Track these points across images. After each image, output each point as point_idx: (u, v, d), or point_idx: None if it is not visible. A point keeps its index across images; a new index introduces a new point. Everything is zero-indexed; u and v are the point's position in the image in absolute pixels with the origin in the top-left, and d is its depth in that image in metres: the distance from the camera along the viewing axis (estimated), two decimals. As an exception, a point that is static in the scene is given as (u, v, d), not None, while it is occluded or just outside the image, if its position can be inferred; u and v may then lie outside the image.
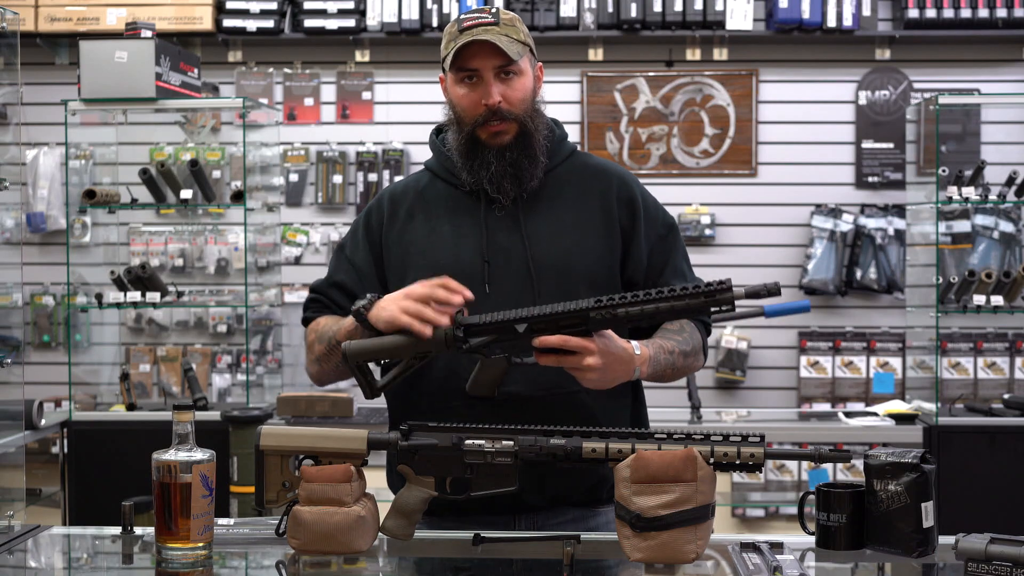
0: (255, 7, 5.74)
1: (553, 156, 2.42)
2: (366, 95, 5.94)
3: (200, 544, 2.06)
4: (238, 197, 4.91)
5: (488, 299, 2.29)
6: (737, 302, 2.11)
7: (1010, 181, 4.76)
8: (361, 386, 2.24)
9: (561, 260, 2.33)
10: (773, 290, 2.05)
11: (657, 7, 5.67)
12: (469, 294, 2.17)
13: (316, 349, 2.38)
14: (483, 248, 2.34)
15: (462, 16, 2.34)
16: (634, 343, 2.23)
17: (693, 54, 5.83)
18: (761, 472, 5.54)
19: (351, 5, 5.74)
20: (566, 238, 2.36)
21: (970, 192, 4.67)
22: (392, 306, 2.18)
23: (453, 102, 2.38)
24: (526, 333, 2.13)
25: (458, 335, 2.15)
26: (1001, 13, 5.61)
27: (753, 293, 2.07)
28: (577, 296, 2.21)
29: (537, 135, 2.36)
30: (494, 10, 2.34)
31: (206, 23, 5.70)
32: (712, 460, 2.03)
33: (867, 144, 5.85)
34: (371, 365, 2.26)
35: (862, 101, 5.85)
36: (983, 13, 5.61)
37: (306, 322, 2.45)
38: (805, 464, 5.54)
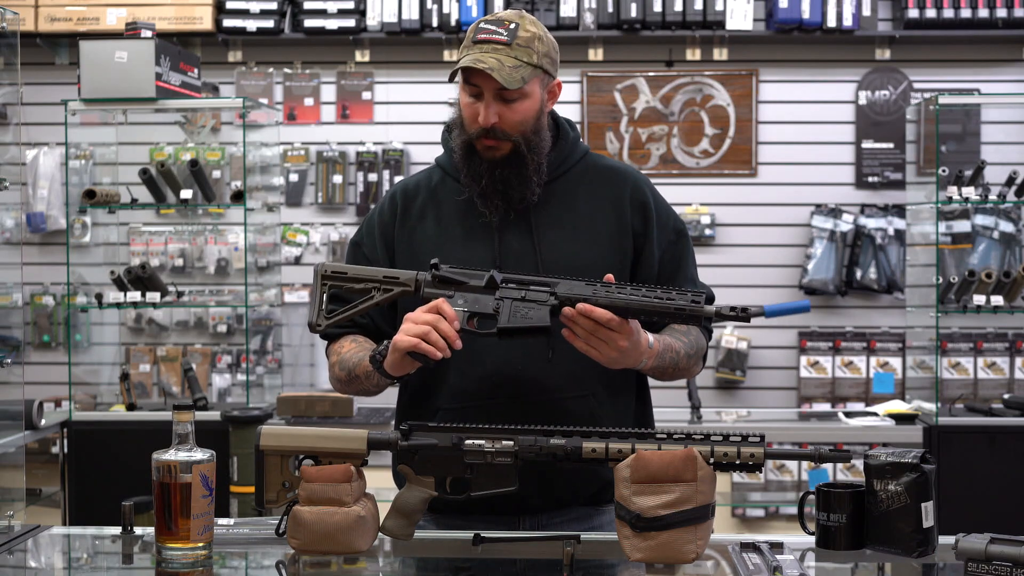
0: (255, 7, 5.74)
1: (567, 158, 2.41)
2: (366, 95, 5.94)
3: (200, 544, 2.06)
4: (238, 197, 4.91)
5: None
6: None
7: (1010, 181, 4.76)
8: (311, 308, 2.27)
9: (572, 264, 2.32)
10: (742, 316, 2.11)
11: (657, 7, 5.67)
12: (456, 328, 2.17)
13: (336, 371, 2.39)
14: (495, 252, 2.34)
15: (481, 25, 2.31)
16: (650, 336, 2.24)
17: (693, 54, 5.83)
18: (761, 472, 5.54)
19: (351, 5, 5.74)
20: (578, 242, 2.35)
21: (970, 192, 4.67)
22: (399, 334, 2.18)
23: (460, 105, 2.37)
24: (489, 285, 2.18)
25: (432, 270, 2.20)
26: (1001, 13, 5.60)
27: (722, 316, 2.12)
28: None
29: (531, 156, 2.32)
30: (513, 25, 2.29)
31: (206, 23, 5.70)
32: (712, 460, 2.03)
33: (867, 144, 5.85)
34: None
35: (862, 101, 5.85)
36: (983, 13, 5.61)
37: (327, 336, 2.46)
38: (805, 464, 5.53)
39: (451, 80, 2.33)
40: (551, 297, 2.16)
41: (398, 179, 5.79)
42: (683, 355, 2.33)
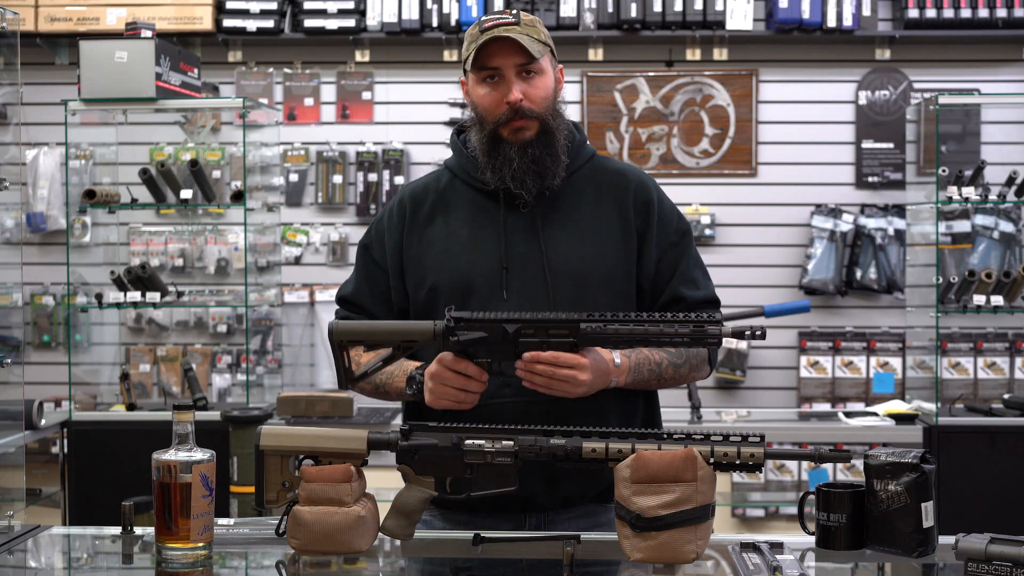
0: (255, 7, 5.74)
1: (573, 160, 2.42)
2: (366, 95, 5.94)
3: (200, 544, 2.06)
4: (238, 197, 4.91)
5: (506, 305, 2.30)
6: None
7: (1010, 181, 4.76)
8: (338, 372, 2.26)
9: (578, 266, 2.34)
10: (758, 335, 2.10)
11: (657, 7, 5.67)
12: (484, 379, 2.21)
13: (361, 384, 2.40)
14: (502, 254, 2.35)
15: (483, 18, 2.35)
16: (615, 354, 2.25)
17: (693, 54, 5.83)
18: (761, 472, 5.54)
19: (351, 5, 5.74)
20: (583, 244, 2.36)
21: (970, 192, 4.66)
22: (430, 396, 2.23)
23: (475, 102, 2.37)
24: (515, 335, 2.15)
25: (449, 325, 2.15)
26: (1001, 13, 5.61)
27: (738, 333, 2.11)
28: (593, 301, 2.26)
29: (558, 134, 2.36)
30: (515, 12, 2.35)
31: (206, 23, 5.70)
32: (712, 460, 2.03)
33: (867, 144, 5.85)
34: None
35: (862, 101, 5.85)
36: (983, 13, 5.61)
37: None
38: (805, 464, 5.54)
39: (468, 65, 2.34)
40: (570, 338, 2.16)
41: (398, 179, 5.80)
42: (666, 365, 2.33)
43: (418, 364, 2.31)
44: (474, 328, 2.16)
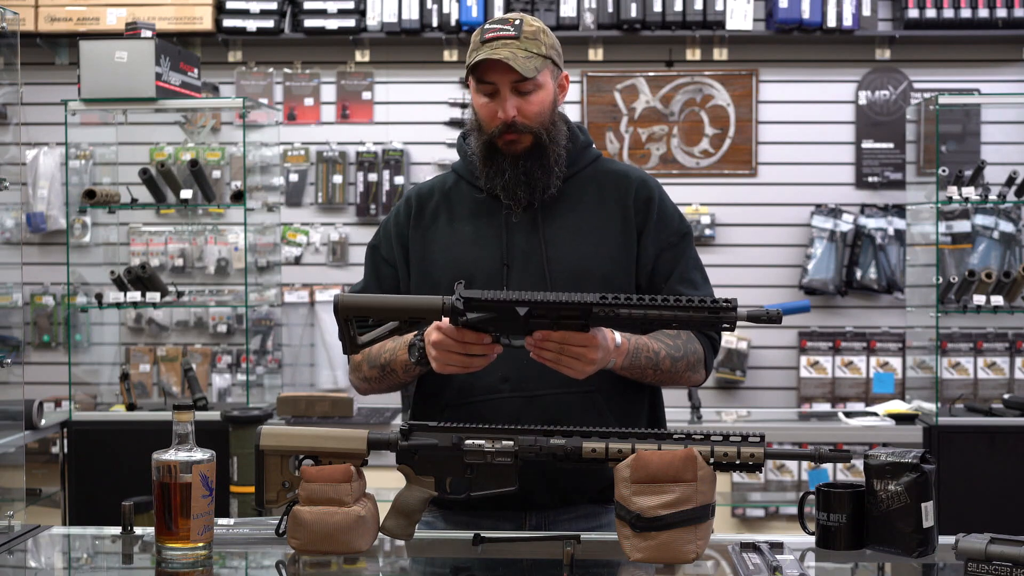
0: (255, 7, 5.74)
1: (576, 161, 2.43)
2: (366, 95, 5.94)
3: (200, 544, 2.06)
4: (238, 197, 4.91)
5: None
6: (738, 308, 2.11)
7: (1010, 181, 4.76)
8: (343, 341, 2.23)
9: (577, 265, 2.35)
10: (774, 317, 2.05)
11: (657, 7, 5.67)
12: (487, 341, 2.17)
13: (365, 370, 2.41)
14: (503, 251, 2.36)
15: (486, 26, 2.35)
16: (617, 335, 2.23)
17: (693, 54, 5.83)
18: (761, 472, 5.54)
19: (351, 5, 5.74)
20: (584, 243, 2.37)
21: (970, 192, 4.66)
22: (436, 364, 2.20)
23: (475, 108, 2.39)
24: (525, 317, 2.11)
25: (457, 306, 2.12)
26: (1001, 13, 5.61)
27: (754, 317, 2.06)
28: None
29: (552, 146, 2.36)
30: (518, 21, 2.33)
31: (206, 23, 5.70)
32: (712, 460, 2.03)
33: (867, 144, 5.85)
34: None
35: (862, 101, 5.85)
36: (983, 13, 5.61)
37: None
38: (805, 464, 5.54)
39: (465, 80, 2.37)
40: (580, 323, 2.12)
41: (398, 179, 5.80)
42: (664, 356, 2.30)
43: (416, 331, 2.27)
44: (485, 308, 2.11)
